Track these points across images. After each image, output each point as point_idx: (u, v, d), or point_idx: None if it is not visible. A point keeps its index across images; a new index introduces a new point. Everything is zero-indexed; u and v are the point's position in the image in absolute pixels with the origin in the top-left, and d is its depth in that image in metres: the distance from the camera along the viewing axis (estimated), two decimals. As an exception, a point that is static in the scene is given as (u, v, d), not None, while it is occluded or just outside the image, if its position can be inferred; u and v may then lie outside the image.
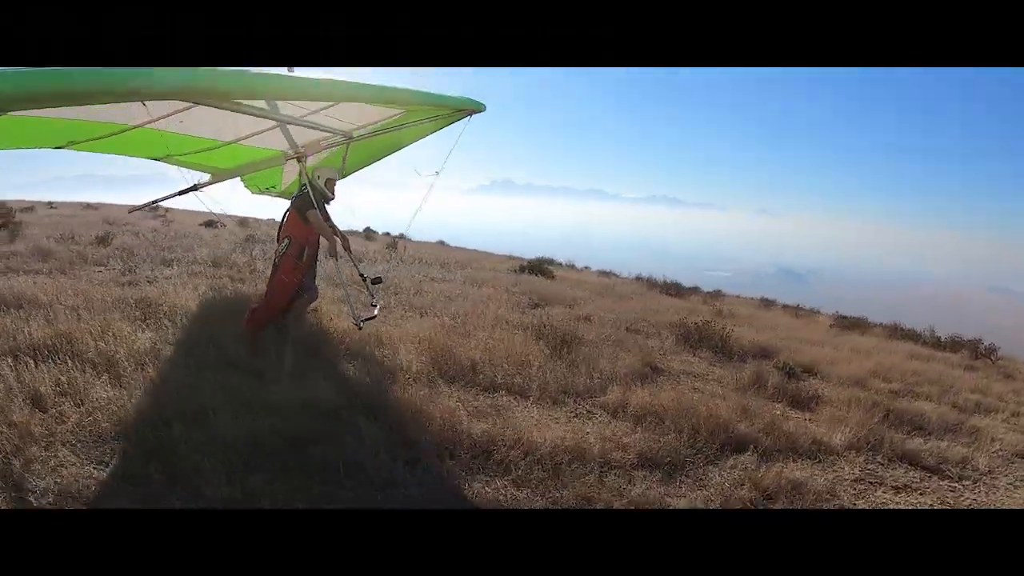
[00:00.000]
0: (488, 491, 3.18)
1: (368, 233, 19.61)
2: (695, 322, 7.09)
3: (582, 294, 10.06)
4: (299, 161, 5.38)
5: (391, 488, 3.06)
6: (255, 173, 6.81)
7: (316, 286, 5.26)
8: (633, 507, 3.17)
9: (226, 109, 4.27)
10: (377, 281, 5.34)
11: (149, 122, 4.36)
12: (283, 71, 3.60)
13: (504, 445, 3.49)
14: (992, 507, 3.91)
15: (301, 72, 3.62)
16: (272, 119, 4.87)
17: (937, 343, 10.42)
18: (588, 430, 3.96)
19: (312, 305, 5.48)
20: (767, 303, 14.03)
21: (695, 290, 13.63)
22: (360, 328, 4.60)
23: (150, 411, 3.51)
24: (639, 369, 5.40)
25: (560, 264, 18.15)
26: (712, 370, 5.98)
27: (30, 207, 18.04)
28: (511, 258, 15.70)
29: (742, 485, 3.50)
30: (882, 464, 4.21)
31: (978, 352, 9.59)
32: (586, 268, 19.22)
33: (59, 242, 8.63)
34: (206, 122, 4.75)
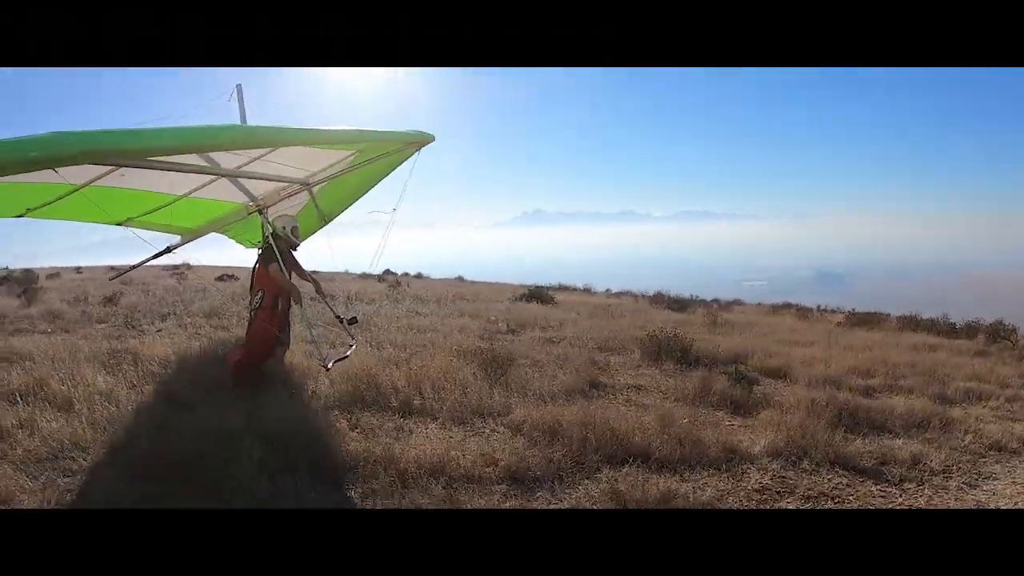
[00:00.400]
0: (333, 497, 3.35)
1: (384, 275, 20.11)
2: (658, 334, 6.95)
3: (570, 317, 10.05)
4: (260, 213, 5.60)
5: (247, 494, 3.27)
6: (238, 228, 6.99)
7: (289, 335, 5.44)
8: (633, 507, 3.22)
9: (155, 168, 4.23)
10: (352, 321, 5.49)
11: (94, 180, 4.39)
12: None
13: (370, 461, 3.62)
14: (936, 508, 3.61)
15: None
16: (207, 173, 4.89)
17: (951, 330, 9.71)
18: (470, 447, 3.96)
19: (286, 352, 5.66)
20: (777, 308, 13.62)
21: (703, 302, 13.36)
22: (327, 369, 4.72)
23: (82, 438, 3.98)
24: (576, 386, 5.34)
25: (574, 288, 18.20)
26: (664, 381, 5.82)
27: (56, 273, 19.66)
28: (523, 287, 15.95)
29: (602, 498, 3.41)
30: (806, 470, 3.95)
31: (998, 335, 8.87)
32: (607, 291, 19.07)
33: (71, 304, 9.43)
34: (150, 176, 4.74)
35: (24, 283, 11.06)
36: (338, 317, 5.47)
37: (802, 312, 12.23)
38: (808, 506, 3.54)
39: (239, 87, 5.49)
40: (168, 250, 6.16)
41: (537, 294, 12.77)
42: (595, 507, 3.31)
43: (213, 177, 5.22)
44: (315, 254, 7.14)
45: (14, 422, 4.14)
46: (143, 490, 3.23)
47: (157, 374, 5.53)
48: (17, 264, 25.11)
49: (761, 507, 3.44)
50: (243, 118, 5.45)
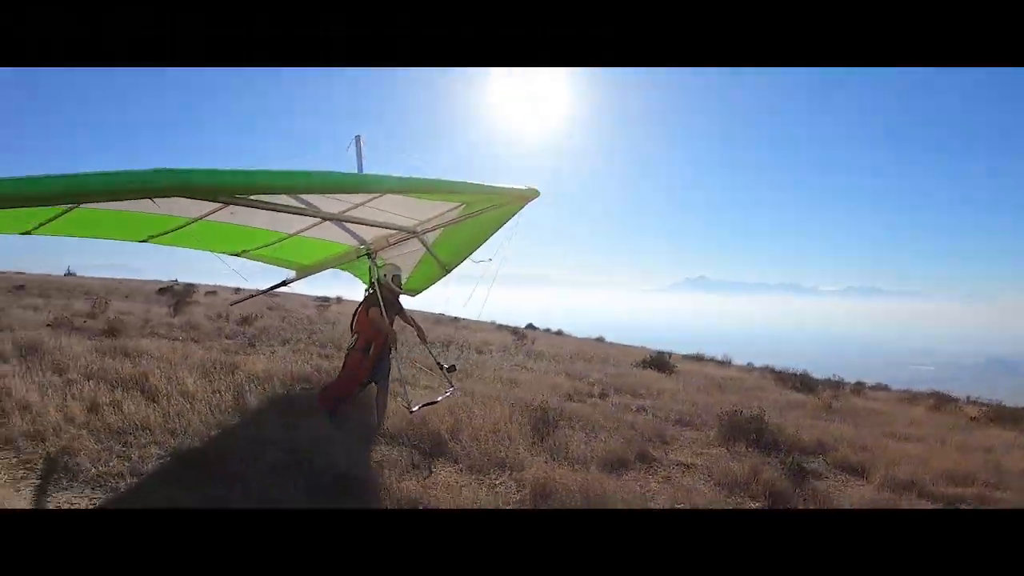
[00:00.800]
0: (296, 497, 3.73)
1: (524, 329, 20.34)
2: (737, 413, 6.29)
3: (676, 387, 9.38)
4: (368, 257, 5.85)
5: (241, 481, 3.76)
6: (358, 266, 7.22)
7: (385, 375, 5.49)
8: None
9: (259, 208, 4.52)
10: (452, 369, 5.66)
11: (204, 216, 4.85)
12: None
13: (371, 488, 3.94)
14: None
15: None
16: (309, 215, 5.14)
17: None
18: (464, 492, 3.98)
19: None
20: (914, 397, 11.81)
21: (836, 384, 11.95)
22: (411, 413, 4.88)
23: (150, 422, 4.75)
24: (621, 455, 5.00)
25: (710, 359, 17.32)
26: (721, 464, 5.20)
27: (213, 291, 22.25)
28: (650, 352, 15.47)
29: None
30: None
31: None
32: (748, 364, 17.77)
33: (211, 319, 10.86)
34: (259, 215, 5.04)
35: (179, 296, 13.04)
36: (438, 364, 5.67)
37: (940, 402, 10.39)
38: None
39: (358, 138, 5.61)
40: (284, 283, 6.81)
41: (658, 361, 12.20)
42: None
43: (319, 220, 5.41)
44: (452, 301, 7.12)
45: (107, 400, 5.05)
46: (170, 466, 3.96)
47: (240, 385, 6.15)
48: (188, 278, 27.49)
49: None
50: (360, 167, 5.56)
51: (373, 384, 5.38)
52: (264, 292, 7.09)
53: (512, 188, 5.18)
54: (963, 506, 4.83)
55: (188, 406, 5.13)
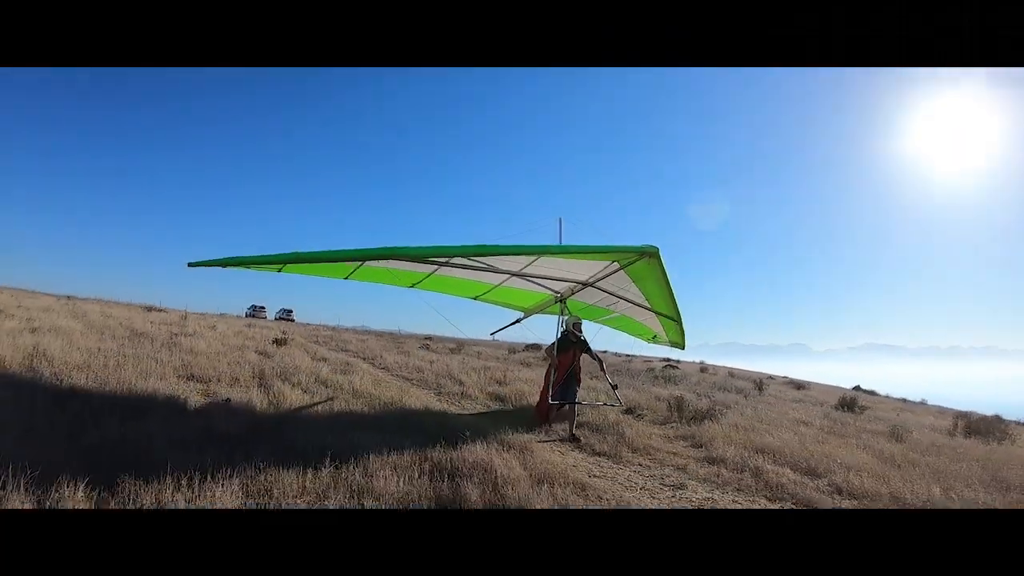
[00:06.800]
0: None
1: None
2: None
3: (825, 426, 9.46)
4: (561, 302, 8.56)
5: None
6: (634, 326, 9.58)
7: (572, 394, 7.64)
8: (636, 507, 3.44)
9: (456, 267, 7.29)
10: (615, 387, 8.38)
11: (434, 271, 7.55)
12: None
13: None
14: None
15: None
16: (493, 272, 7.64)
17: None
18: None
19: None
20: None
21: None
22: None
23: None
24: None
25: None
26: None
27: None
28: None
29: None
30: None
31: None
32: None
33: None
34: (466, 272, 7.69)
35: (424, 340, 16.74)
36: (612, 385, 8.38)
37: None
38: None
39: (560, 220, 7.64)
40: (517, 321, 9.67)
41: (851, 403, 12.70)
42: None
43: (506, 276, 8.08)
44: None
45: (273, 394, 7.55)
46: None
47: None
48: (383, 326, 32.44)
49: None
50: (560, 240, 7.41)
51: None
52: (504, 328, 9.82)
53: (631, 246, 6.52)
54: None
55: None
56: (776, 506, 5.01)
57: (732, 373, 22.91)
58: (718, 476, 5.84)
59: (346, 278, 7.72)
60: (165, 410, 5.93)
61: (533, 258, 7.02)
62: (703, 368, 24.12)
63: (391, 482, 4.09)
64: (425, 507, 2.93)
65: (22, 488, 3.30)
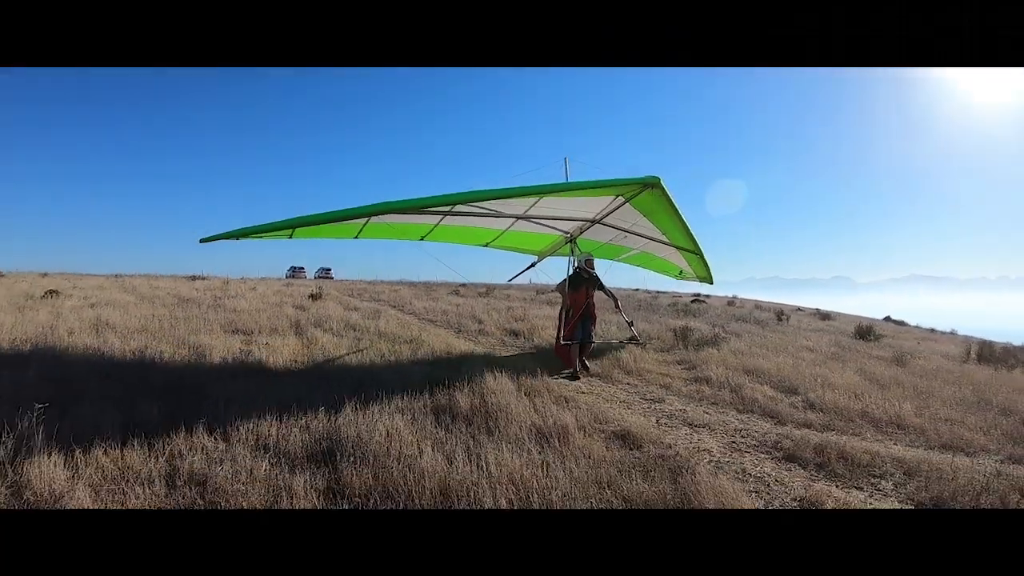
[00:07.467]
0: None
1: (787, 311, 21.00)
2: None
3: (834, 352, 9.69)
4: (571, 242, 8.63)
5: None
6: (659, 262, 10.02)
7: (588, 334, 7.81)
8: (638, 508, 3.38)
9: (464, 215, 7.63)
10: (631, 323, 8.96)
11: (440, 221, 7.92)
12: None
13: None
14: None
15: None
16: (503, 216, 7.95)
17: None
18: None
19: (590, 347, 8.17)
20: None
21: None
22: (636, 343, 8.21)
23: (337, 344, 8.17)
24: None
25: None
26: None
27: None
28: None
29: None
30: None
31: None
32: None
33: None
34: (472, 219, 8.05)
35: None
36: (628, 322, 8.92)
37: None
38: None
39: (566, 159, 7.78)
40: (532, 265, 10.02)
41: (868, 331, 12.78)
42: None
43: (512, 220, 8.34)
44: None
45: (315, 333, 8.74)
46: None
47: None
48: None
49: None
50: (567, 180, 7.43)
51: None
52: (520, 273, 10.18)
53: (628, 178, 6.55)
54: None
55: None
56: (744, 417, 5.61)
57: (759, 305, 23.07)
58: (698, 392, 6.47)
59: (356, 237, 8.03)
60: (214, 355, 7.07)
61: (535, 199, 7.13)
62: (730, 302, 24.33)
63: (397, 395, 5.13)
64: (425, 508, 3.04)
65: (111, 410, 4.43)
